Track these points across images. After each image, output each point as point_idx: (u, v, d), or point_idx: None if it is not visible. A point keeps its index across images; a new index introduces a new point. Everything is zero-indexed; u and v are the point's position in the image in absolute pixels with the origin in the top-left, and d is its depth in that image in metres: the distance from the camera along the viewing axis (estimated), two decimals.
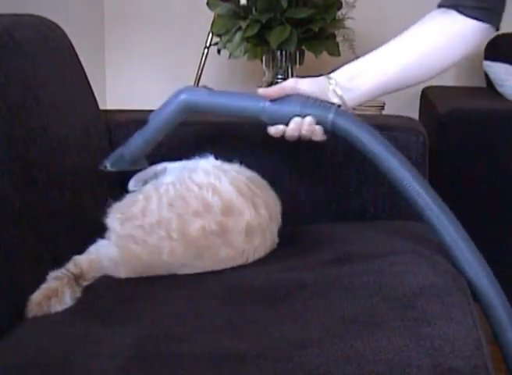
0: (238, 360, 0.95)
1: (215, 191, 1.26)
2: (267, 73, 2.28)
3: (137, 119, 1.64)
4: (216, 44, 2.27)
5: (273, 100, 1.27)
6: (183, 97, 1.32)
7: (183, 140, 1.60)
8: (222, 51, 2.27)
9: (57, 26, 1.52)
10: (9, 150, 1.18)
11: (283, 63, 2.24)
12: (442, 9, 1.27)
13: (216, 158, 1.39)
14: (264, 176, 1.39)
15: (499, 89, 2.55)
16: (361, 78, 1.28)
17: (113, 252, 1.24)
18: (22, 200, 1.19)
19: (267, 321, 1.07)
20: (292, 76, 2.25)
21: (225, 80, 2.85)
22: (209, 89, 1.33)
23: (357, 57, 2.18)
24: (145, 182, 1.41)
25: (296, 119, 1.25)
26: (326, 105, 1.25)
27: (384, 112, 2.28)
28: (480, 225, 1.99)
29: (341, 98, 1.27)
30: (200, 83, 2.48)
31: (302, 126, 1.25)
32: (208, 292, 1.18)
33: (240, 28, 2.14)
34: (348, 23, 2.24)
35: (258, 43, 2.16)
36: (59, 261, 1.22)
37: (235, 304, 1.14)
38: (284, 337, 1.01)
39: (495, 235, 1.90)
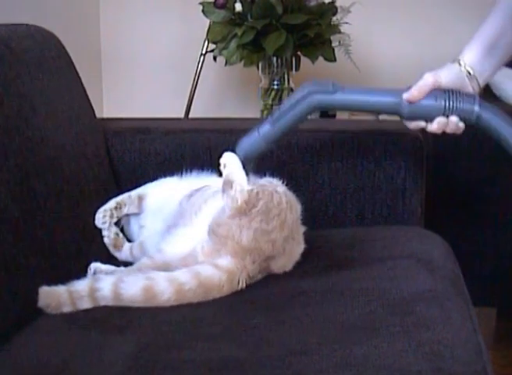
0: (237, 367, 0.95)
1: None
2: (263, 79, 2.28)
3: (134, 127, 1.65)
4: (212, 51, 2.27)
5: None
6: (315, 97, 1.26)
7: (180, 147, 1.60)
8: (218, 58, 2.27)
9: (53, 35, 1.52)
10: (7, 159, 1.18)
11: (279, 69, 2.24)
12: None
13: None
14: None
15: (497, 92, 2.55)
16: (492, 56, 1.26)
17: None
18: (20, 209, 1.19)
19: (266, 328, 1.07)
20: (288, 82, 2.26)
21: (222, 87, 2.85)
22: (336, 85, 1.27)
23: (353, 62, 2.19)
24: (111, 214, 1.42)
25: (441, 120, 1.24)
26: (469, 97, 1.24)
27: (381, 118, 2.29)
28: (478, 228, 1.99)
29: (478, 84, 1.26)
30: (197, 91, 2.49)
31: (447, 126, 1.24)
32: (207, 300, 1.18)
33: (235, 35, 2.15)
34: (343, 28, 2.24)
35: (254, 49, 2.16)
36: (57, 270, 1.22)
37: (233, 311, 1.14)
38: (283, 343, 1.01)
39: (492, 238, 1.90)
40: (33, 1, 2.20)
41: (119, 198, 1.45)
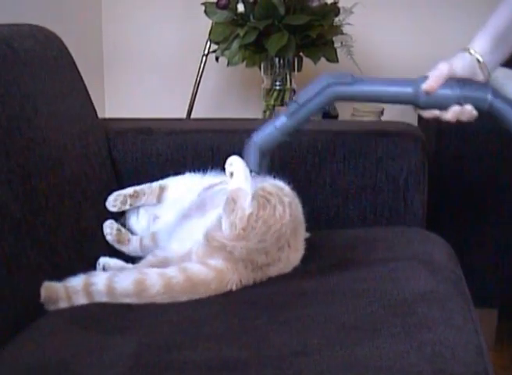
0: (238, 368, 0.95)
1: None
2: (265, 79, 2.28)
3: (136, 128, 1.65)
4: (214, 51, 2.27)
5: None
6: (334, 88, 1.28)
7: (182, 148, 1.60)
8: (220, 59, 2.27)
9: (55, 35, 1.52)
10: (9, 160, 1.18)
11: (282, 70, 2.24)
12: None
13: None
14: None
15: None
16: (501, 46, 1.28)
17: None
18: (21, 210, 1.19)
19: (267, 328, 1.07)
20: (290, 83, 2.26)
21: (224, 88, 2.85)
22: (354, 76, 1.29)
23: (356, 63, 2.19)
24: (124, 199, 1.42)
25: (456, 109, 1.25)
26: (482, 86, 1.26)
27: (383, 118, 2.29)
28: (480, 229, 1.99)
29: (487, 71, 1.28)
30: (199, 92, 2.49)
31: (462, 114, 1.26)
32: (207, 300, 1.18)
33: (237, 35, 2.15)
34: (346, 28, 2.24)
35: (256, 50, 2.16)
36: (59, 270, 1.22)
37: (235, 312, 1.14)
38: (284, 344, 1.01)
39: (494, 239, 1.90)
40: (35, 2, 2.20)
41: (139, 187, 1.46)
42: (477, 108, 1.26)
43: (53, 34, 1.52)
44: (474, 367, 0.94)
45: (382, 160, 1.57)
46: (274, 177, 1.32)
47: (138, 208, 1.46)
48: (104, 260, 1.34)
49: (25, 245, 1.18)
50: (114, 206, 1.43)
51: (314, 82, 1.29)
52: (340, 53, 2.24)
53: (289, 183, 1.30)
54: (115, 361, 0.98)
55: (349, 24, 2.24)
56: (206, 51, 2.42)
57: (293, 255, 1.27)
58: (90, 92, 1.58)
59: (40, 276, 1.19)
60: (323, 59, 2.21)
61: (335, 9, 2.21)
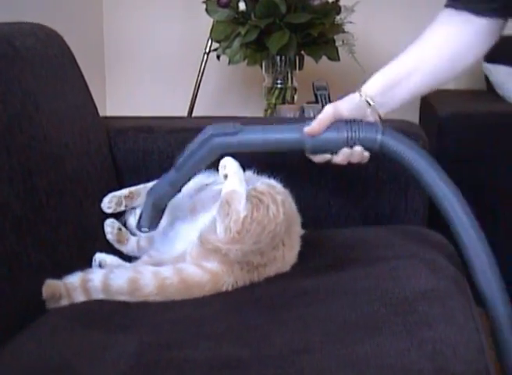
0: (239, 366, 0.95)
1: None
2: (267, 78, 2.29)
3: (137, 126, 1.65)
4: (216, 50, 2.27)
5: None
6: (216, 140, 1.23)
7: (183, 146, 1.59)
8: (221, 57, 2.27)
9: (57, 33, 1.52)
10: (10, 157, 1.18)
11: (283, 68, 2.24)
12: (452, 11, 1.27)
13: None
14: None
15: (500, 92, 2.55)
16: (394, 91, 1.27)
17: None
18: (22, 207, 1.19)
19: (268, 327, 1.07)
20: (292, 81, 2.26)
21: (225, 86, 2.85)
22: (238, 126, 1.25)
23: (357, 61, 2.19)
24: (119, 201, 1.42)
25: (345, 151, 1.23)
26: (371, 126, 1.23)
27: (384, 117, 2.28)
28: (481, 228, 1.99)
29: (378, 113, 1.27)
30: (201, 90, 2.49)
31: (352, 156, 1.24)
32: (208, 299, 1.18)
33: (239, 34, 2.15)
34: (347, 27, 2.24)
35: (258, 48, 2.16)
36: (60, 269, 1.22)
37: (236, 310, 1.14)
38: (285, 342, 1.01)
39: (495, 237, 1.89)
40: (36, 0, 2.20)
41: (134, 188, 1.45)
42: (368, 148, 1.23)
43: (54, 32, 1.51)
44: (475, 365, 0.94)
45: (383, 159, 1.56)
46: (268, 177, 1.31)
47: (134, 208, 1.46)
48: (100, 256, 1.34)
49: (26, 243, 1.18)
50: (109, 208, 1.42)
51: (200, 134, 1.25)
52: (342, 51, 2.24)
53: (289, 183, 1.29)
54: (117, 359, 0.98)
55: (350, 22, 2.24)
56: (207, 50, 2.42)
57: (288, 254, 1.26)
58: (92, 90, 1.58)
59: (41, 274, 1.19)
60: (324, 58, 2.21)
61: (336, 8, 2.21)
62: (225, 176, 1.25)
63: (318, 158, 1.26)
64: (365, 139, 1.22)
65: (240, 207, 1.21)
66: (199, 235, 1.23)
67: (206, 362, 0.96)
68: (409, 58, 1.28)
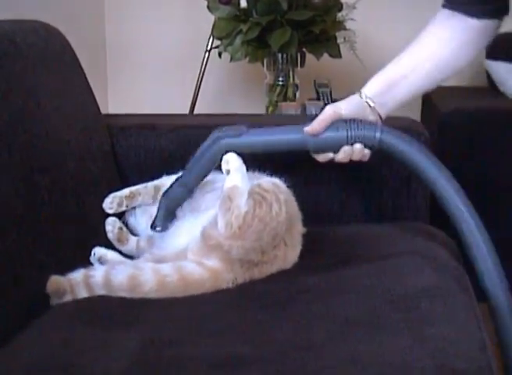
0: (241, 364, 0.95)
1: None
2: (268, 75, 2.29)
3: (139, 124, 1.65)
4: (217, 47, 2.27)
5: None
6: (223, 141, 1.29)
7: (185, 144, 1.60)
8: (223, 55, 2.27)
9: (58, 31, 1.52)
10: (11, 155, 1.18)
11: (284, 66, 2.24)
12: (448, 12, 1.29)
13: None
14: None
15: (501, 88, 2.55)
16: (393, 92, 1.30)
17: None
18: (24, 205, 1.19)
19: (270, 324, 1.07)
20: (293, 78, 2.26)
21: (227, 83, 2.85)
22: (243, 128, 1.30)
23: (359, 58, 2.19)
24: (120, 201, 1.42)
25: (346, 149, 1.26)
26: (370, 125, 1.26)
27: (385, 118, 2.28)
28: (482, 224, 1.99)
29: (378, 113, 1.29)
30: (202, 88, 2.49)
31: (352, 153, 1.27)
32: (210, 296, 1.18)
33: (240, 31, 2.15)
34: (349, 24, 2.24)
35: (259, 46, 2.16)
36: (62, 266, 1.22)
37: (237, 308, 1.14)
38: (287, 340, 1.01)
39: (497, 234, 1.89)
40: None
41: (134, 188, 1.45)
42: (367, 146, 1.26)
43: (56, 30, 1.51)
44: (477, 363, 0.94)
45: (385, 155, 1.56)
46: (271, 175, 1.31)
47: (134, 208, 1.46)
48: (100, 251, 1.34)
49: (28, 241, 1.18)
50: (110, 208, 1.42)
51: (208, 138, 1.31)
52: (343, 49, 2.24)
53: (291, 180, 1.29)
54: (119, 356, 0.98)
55: (352, 20, 2.24)
56: (209, 47, 2.42)
57: (289, 253, 1.26)
58: (93, 88, 1.58)
59: (43, 271, 1.19)
60: (326, 55, 2.21)
61: (338, 5, 2.21)
62: (228, 172, 1.26)
63: (322, 157, 1.30)
64: (364, 137, 1.25)
65: (242, 203, 1.21)
66: (201, 231, 1.23)
67: (207, 359, 0.96)
68: (406, 59, 1.31)
